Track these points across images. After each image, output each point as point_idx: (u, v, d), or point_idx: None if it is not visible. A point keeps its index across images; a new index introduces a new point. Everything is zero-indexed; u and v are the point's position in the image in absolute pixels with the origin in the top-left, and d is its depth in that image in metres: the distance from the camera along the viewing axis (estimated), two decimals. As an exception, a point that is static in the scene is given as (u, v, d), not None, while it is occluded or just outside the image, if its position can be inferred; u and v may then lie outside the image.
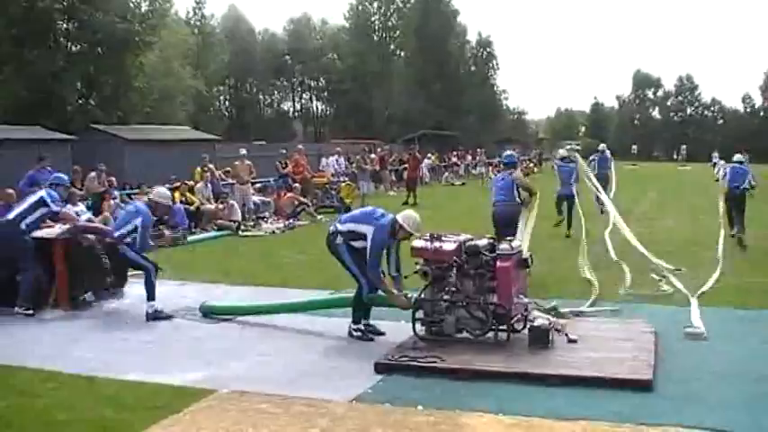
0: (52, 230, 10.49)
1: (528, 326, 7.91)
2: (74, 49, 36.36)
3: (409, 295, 8.22)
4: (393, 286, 8.37)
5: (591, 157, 23.21)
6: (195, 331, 9.09)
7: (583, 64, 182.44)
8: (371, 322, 8.59)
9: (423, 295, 8.07)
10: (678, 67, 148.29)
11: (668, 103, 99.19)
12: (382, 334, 8.45)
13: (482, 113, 72.91)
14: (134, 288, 10.81)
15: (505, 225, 11.37)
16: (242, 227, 19.19)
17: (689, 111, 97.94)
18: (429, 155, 43.43)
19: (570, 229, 16.61)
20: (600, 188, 13.61)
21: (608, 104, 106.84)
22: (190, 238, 17.25)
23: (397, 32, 77.58)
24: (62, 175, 11.91)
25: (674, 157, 76.44)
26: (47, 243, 10.25)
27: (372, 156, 32.97)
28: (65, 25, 35.49)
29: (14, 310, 9.76)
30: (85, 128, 29.38)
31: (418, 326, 8.02)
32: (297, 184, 22.89)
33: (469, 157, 48.80)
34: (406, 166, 31.52)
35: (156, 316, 9.57)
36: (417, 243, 8.15)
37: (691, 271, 12.15)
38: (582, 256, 12.09)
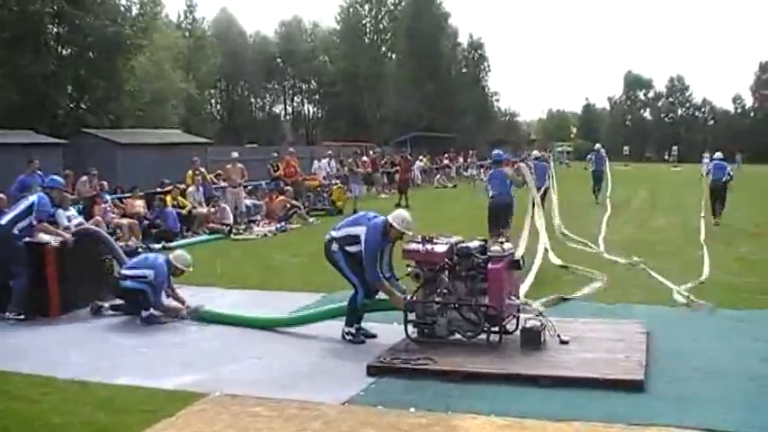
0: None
1: (520, 327, 7.94)
2: (64, 52, 36.23)
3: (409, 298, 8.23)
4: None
5: (589, 156, 27.88)
6: (188, 335, 9.09)
7: (574, 65, 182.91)
8: (363, 325, 8.60)
9: (414, 297, 8.09)
10: (669, 69, 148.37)
11: (659, 104, 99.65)
12: (374, 336, 8.46)
13: (474, 115, 72.95)
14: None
15: (501, 214, 13.69)
16: (234, 230, 19.18)
17: (680, 111, 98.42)
18: (421, 157, 43.44)
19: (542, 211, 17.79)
20: (536, 194, 14.28)
21: (599, 105, 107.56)
22: (181, 241, 17.22)
23: (389, 34, 77.63)
24: (57, 178, 11.86)
25: (666, 157, 76.64)
26: (39, 248, 10.23)
27: (364, 158, 32.96)
28: (55, 29, 35.37)
29: (6, 315, 9.75)
30: (77, 132, 29.25)
31: (410, 328, 8.03)
32: (289, 187, 22.88)
33: (461, 159, 48.84)
34: (398, 168, 31.55)
35: (149, 320, 9.56)
36: (409, 245, 8.17)
37: (682, 269, 12.25)
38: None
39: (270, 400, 6.54)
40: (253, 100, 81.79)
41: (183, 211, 19.20)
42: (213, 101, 76.45)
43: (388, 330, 8.44)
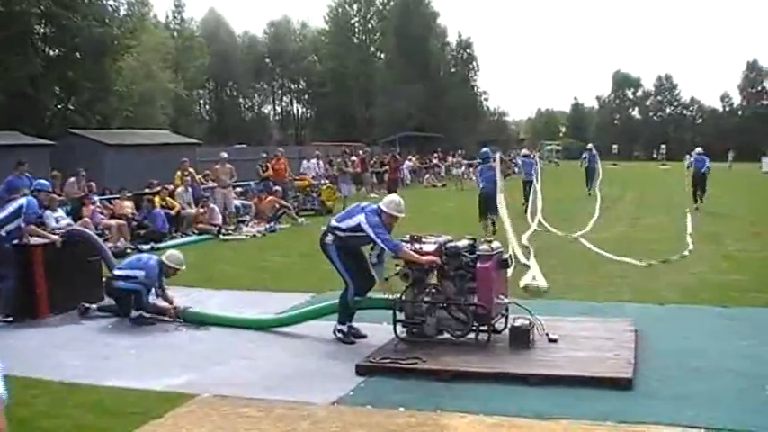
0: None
1: (509, 326, 7.96)
2: (52, 53, 36.10)
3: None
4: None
5: (583, 155, 31.68)
6: (177, 336, 9.07)
7: (563, 64, 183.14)
8: (354, 324, 8.60)
9: (403, 297, 8.09)
10: (658, 67, 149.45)
11: (648, 103, 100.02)
12: (364, 336, 8.46)
13: (463, 115, 72.96)
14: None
15: (489, 202, 16.29)
16: (223, 231, 19.14)
17: (668, 110, 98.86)
18: (410, 157, 43.45)
19: (527, 203, 20.74)
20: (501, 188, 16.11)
21: (588, 105, 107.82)
22: (170, 242, 17.17)
23: (378, 34, 77.69)
24: (44, 182, 11.84)
25: (654, 156, 76.88)
26: (27, 250, 10.20)
27: (353, 158, 32.98)
28: (42, 29, 35.24)
29: (-6, 317, 9.72)
30: (64, 133, 29.17)
31: (399, 327, 8.04)
32: (278, 188, 22.86)
33: (451, 159, 48.86)
34: (387, 168, 31.59)
35: (138, 321, 9.54)
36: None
37: (670, 265, 12.33)
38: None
39: (259, 400, 6.53)
40: (241, 100, 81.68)
41: (172, 212, 19.14)
42: (202, 101, 76.36)
43: (378, 330, 8.44)
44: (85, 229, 12.85)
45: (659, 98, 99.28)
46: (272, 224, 20.39)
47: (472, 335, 7.86)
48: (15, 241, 10.14)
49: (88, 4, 35.00)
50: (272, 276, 12.99)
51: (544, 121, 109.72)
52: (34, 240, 10.36)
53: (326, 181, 27.83)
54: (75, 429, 5.99)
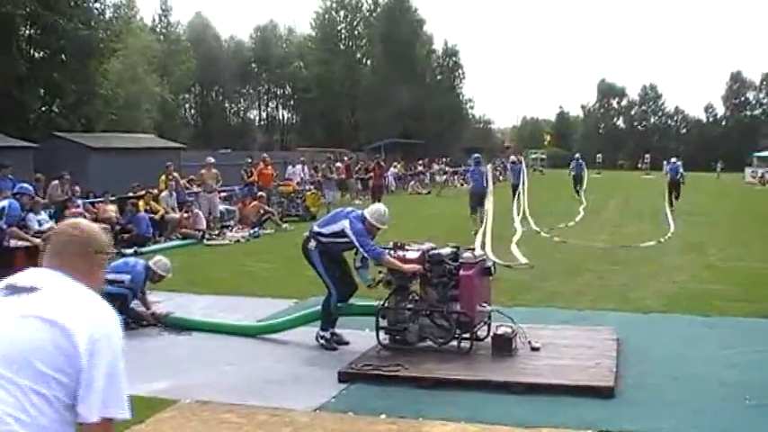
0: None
1: (491, 334, 7.97)
2: (37, 55, 35.91)
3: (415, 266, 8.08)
4: (359, 277, 8.48)
5: (571, 166, 35.32)
6: (159, 341, 9.03)
7: (548, 73, 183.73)
8: (337, 331, 8.58)
9: (386, 304, 8.09)
10: (642, 77, 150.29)
11: (632, 113, 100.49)
12: (346, 343, 8.45)
13: (449, 122, 73.02)
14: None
15: (478, 198, 18.97)
16: (207, 235, 19.09)
17: (653, 120, 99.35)
18: (395, 163, 43.45)
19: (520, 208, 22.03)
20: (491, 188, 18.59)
21: (573, 113, 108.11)
22: (154, 246, 17.12)
23: (364, 41, 77.62)
24: (26, 185, 11.79)
25: (639, 165, 77.19)
26: (9, 253, 10.15)
27: (338, 164, 32.97)
28: (28, 31, 35.06)
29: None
30: (48, 135, 29.06)
31: (382, 334, 8.03)
32: (262, 193, 22.83)
33: (435, 166, 48.94)
34: (372, 174, 31.61)
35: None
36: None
37: (652, 274, 12.41)
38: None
39: (240, 406, 6.51)
40: (227, 105, 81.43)
41: (156, 217, 19.08)
42: (187, 105, 76.09)
43: (360, 337, 8.44)
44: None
45: (644, 108, 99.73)
46: (255, 229, 20.34)
47: (455, 342, 7.86)
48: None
49: (74, 7, 34.82)
50: (255, 282, 12.95)
51: (529, 129, 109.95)
52: (14, 243, 10.31)
53: (311, 187, 27.81)
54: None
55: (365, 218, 8.23)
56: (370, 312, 8.31)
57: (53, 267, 2.59)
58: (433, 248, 8.21)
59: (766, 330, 9.02)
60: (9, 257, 10.07)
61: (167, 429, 6.00)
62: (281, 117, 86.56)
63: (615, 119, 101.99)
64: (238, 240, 19.11)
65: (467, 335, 7.84)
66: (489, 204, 16.96)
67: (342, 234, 8.19)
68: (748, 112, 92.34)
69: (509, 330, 7.85)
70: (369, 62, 77.12)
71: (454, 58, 79.28)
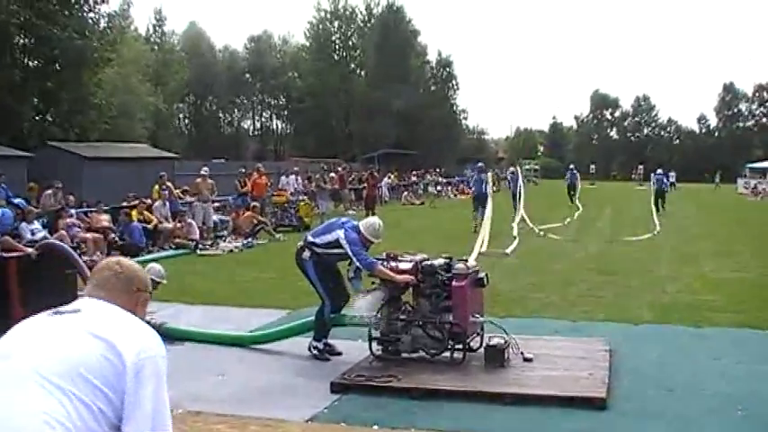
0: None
1: (484, 345, 7.97)
2: (31, 64, 35.88)
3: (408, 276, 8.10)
4: (352, 287, 8.46)
5: (567, 176, 39.21)
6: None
7: (541, 84, 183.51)
8: (330, 341, 8.58)
9: (379, 314, 8.09)
10: (636, 88, 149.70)
11: (626, 123, 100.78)
12: (339, 354, 8.45)
13: (443, 132, 73.00)
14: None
15: (479, 203, 21.79)
16: (200, 246, 19.07)
17: (646, 131, 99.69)
18: (389, 174, 43.49)
19: (518, 212, 23.95)
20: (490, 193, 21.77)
21: (566, 124, 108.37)
22: (146, 256, 17.09)
23: (358, 51, 77.66)
24: (21, 201, 11.76)
25: (633, 176, 77.38)
26: (1, 263, 10.09)
27: (332, 174, 32.98)
28: (22, 40, 35.03)
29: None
30: (42, 144, 29.01)
31: (374, 345, 8.03)
32: (256, 203, 22.82)
33: (429, 177, 48.99)
34: (366, 185, 31.63)
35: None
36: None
37: (647, 285, 12.44)
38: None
39: (232, 417, 6.50)
40: (221, 115, 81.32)
41: (149, 226, 19.06)
42: (181, 115, 75.94)
43: (353, 347, 8.43)
44: (61, 242, 12.75)
45: (637, 118, 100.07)
46: (249, 240, 20.34)
47: (447, 353, 7.86)
48: None
49: (68, 16, 34.78)
50: (248, 292, 12.93)
51: (522, 139, 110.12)
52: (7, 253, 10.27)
53: (305, 197, 27.81)
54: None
55: (360, 230, 8.25)
56: (361, 323, 8.29)
57: (99, 298, 2.61)
58: (425, 259, 8.22)
59: (758, 341, 9.03)
60: (1, 267, 10.02)
61: (159, 440, 5.97)
62: (274, 127, 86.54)
63: (608, 130, 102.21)
64: (232, 250, 19.10)
65: (459, 346, 7.83)
66: (489, 207, 19.19)
67: (336, 244, 8.20)
68: (741, 124, 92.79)
69: (502, 341, 7.85)
70: (363, 72, 77.05)
71: (448, 69, 79.29)
